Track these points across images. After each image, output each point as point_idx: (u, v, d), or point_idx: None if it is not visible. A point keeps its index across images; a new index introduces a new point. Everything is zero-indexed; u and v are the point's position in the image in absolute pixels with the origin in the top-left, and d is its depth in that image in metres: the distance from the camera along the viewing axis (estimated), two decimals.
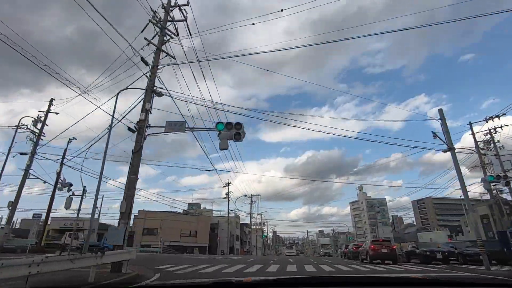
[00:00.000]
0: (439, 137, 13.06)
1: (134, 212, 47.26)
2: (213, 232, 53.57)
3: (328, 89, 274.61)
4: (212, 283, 1.63)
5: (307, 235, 73.99)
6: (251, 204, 59.24)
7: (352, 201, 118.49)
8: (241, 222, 70.52)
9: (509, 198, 23.19)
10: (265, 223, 78.61)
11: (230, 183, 49.26)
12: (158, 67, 11.51)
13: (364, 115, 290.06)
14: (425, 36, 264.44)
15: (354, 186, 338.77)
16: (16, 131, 20.63)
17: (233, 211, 56.77)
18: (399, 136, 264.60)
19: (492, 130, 21.32)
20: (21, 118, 20.95)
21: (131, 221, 47.77)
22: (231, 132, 10.80)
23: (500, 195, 22.77)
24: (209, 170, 22.02)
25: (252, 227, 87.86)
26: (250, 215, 59.12)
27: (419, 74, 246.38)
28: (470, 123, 21.29)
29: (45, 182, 22.43)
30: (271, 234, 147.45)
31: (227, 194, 48.97)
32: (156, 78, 11.31)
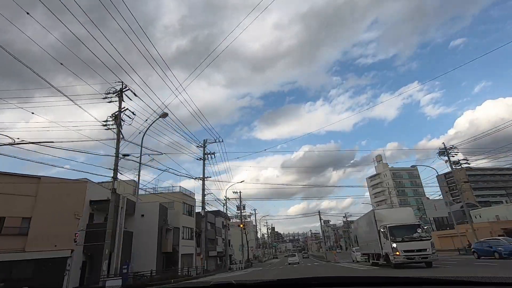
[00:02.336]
0: None
1: None
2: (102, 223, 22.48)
3: (321, 82, 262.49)
4: (212, 285, 1.66)
5: (321, 222, 42.52)
6: (203, 158, 28.35)
7: (370, 176, 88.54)
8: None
9: None
10: (243, 207, 47.86)
11: (122, 90, 18.34)
12: None
13: (359, 106, 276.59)
14: (415, 23, 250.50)
15: (354, 178, 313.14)
16: None
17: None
18: (394, 124, 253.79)
19: None
20: None
21: None
22: None
23: None
24: None
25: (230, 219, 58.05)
26: (203, 179, 28.27)
27: (411, 62, 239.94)
28: None
29: None
30: (263, 227, 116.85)
31: (114, 118, 18.03)
32: None
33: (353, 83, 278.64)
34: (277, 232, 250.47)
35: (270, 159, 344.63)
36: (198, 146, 27.95)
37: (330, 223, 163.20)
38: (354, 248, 29.86)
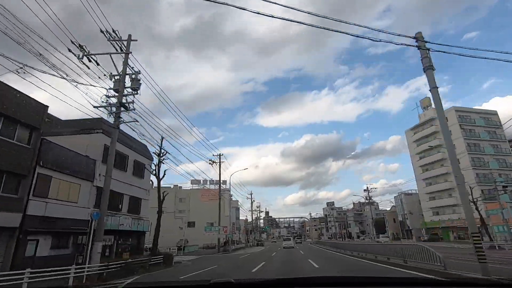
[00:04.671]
0: None
1: None
2: None
3: (328, 71, 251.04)
4: (212, 283, 1.64)
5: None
6: None
7: (414, 126, 57.04)
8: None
9: None
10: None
11: None
12: None
13: (364, 97, 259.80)
14: (429, 13, 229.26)
15: (353, 170, 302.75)
16: None
17: None
18: (399, 117, 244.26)
19: None
20: None
21: None
22: None
23: None
24: None
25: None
26: None
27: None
28: None
29: None
30: (254, 210, 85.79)
31: None
32: None
33: (360, 73, 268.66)
34: (271, 216, 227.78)
35: (271, 147, 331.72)
36: None
37: (335, 205, 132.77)
38: None
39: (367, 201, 64.30)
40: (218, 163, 35.86)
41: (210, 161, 34.81)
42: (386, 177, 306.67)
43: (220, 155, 36.20)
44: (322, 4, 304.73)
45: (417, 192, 57.11)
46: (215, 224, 56.63)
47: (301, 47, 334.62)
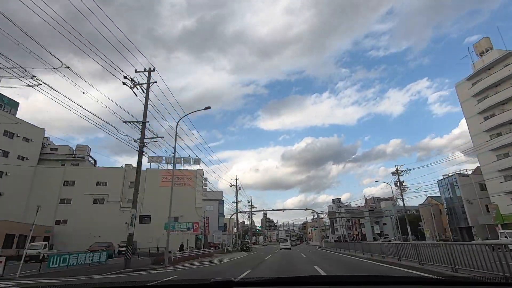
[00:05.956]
0: None
1: None
2: None
3: (329, 74, 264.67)
4: (212, 282, 1.64)
5: None
6: None
7: (471, 75, 38.97)
8: None
9: None
10: None
11: None
12: None
13: (365, 101, 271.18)
14: (431, 15, 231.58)
15: (354, 174, 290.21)
16: None
17: None
18: (399, 121, 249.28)
19: None
20: None
21: None
22: None
23: None
24: None
25: None
26: None
27: (423, 57, 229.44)
28: None
29: None
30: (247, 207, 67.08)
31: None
32: None
33: (361, 76, 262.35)
34: (269, 218, 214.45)
35: (271, 150, 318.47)
36: None
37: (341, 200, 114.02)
38: None
39: (396, 188, 46.12)
40: (146, 85, 17.84)
41: (127, 78, 16.68)
42: (386, 180, 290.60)
43: (150, 70, 18.18)
44: (325, 5, 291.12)
45: (470, 172, 39.01)
46: (181, 220, 38.53)
47: (302, 48, 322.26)
